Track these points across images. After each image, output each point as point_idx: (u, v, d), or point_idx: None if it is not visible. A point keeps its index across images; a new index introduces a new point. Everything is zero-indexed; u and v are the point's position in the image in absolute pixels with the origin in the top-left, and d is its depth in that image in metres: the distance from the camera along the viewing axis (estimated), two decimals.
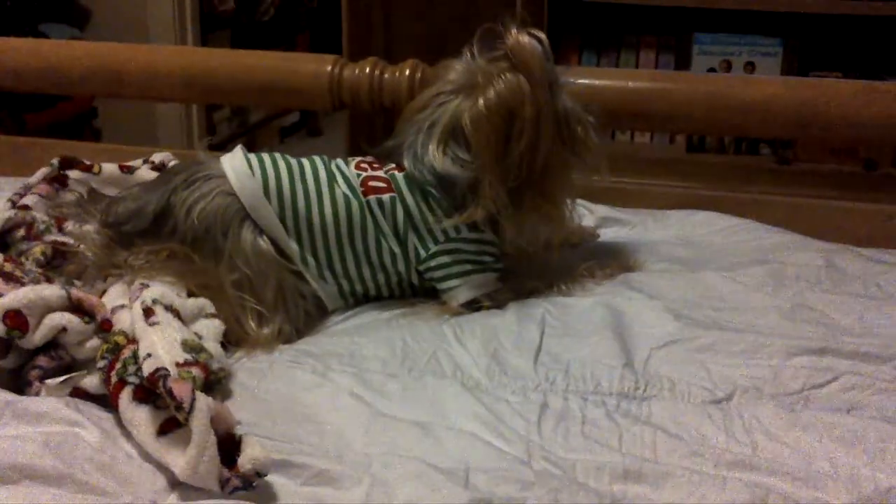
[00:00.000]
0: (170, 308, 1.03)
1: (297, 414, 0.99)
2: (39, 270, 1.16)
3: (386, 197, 1.24)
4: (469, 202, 1.22)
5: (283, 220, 1.20)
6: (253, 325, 1.16)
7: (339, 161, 1.28)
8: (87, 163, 1.47)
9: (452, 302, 1.25)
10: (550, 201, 1.26)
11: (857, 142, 2.34)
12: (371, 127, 2.41)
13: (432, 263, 1.26)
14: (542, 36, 1.21)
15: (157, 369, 0.89)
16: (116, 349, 0.98)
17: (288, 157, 1.27)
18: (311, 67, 1.70)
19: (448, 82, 1.25)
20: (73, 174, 1.44)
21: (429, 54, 1.73)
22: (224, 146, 3.36)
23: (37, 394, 0.98)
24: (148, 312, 1.01)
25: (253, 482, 0.85)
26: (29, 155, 1.70)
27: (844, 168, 2.66)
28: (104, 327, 1.04)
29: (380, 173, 1.26)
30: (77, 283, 1.16)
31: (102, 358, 0.98)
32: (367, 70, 1.66)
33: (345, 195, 1.22)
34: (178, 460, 0.84)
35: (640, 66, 2.83)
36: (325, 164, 1.26)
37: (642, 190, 1.67)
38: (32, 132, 2.72)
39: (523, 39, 1.19)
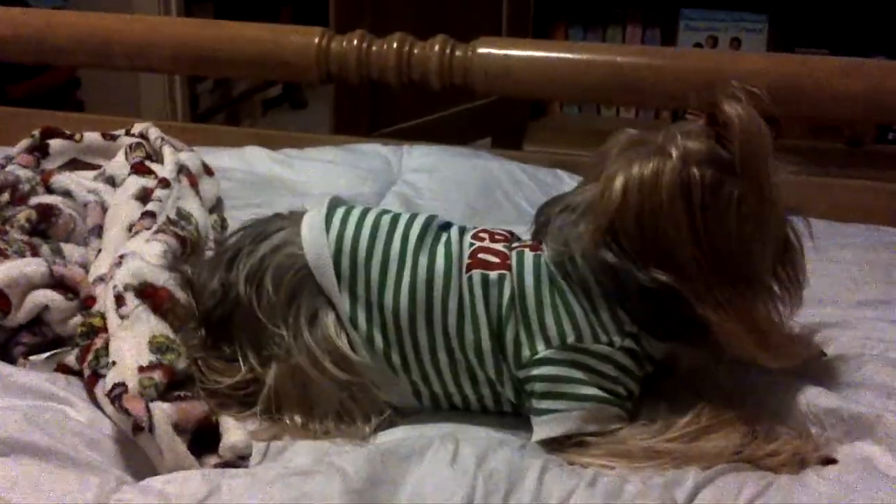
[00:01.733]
0: (142, 292, 0.98)
1: None
2: (24, 239, 1.15)
3: (494, 274, 0.95)
4: (638, 306, 0.91)
5: (352, 288, 0.97)
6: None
7: (456, 226, 1.02)
8: (69, 133, 1.46)
9: (539, 433, 0.92)
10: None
11: (841, 118, 2.34)
12: (357, 100, 2.41)
13: (535, 372, 0.93)
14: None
15: (115, 386, 0.88)
16: (92, 332, 0.97)
17: (388, 211, 1.03)
18: (299, 39, 1.69)
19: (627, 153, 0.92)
20: (55, 143, 1.43)
21: (417, 27, 1.73)
22: (207, 117, 3.36)
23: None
24: (119, 300, 0.96)
25: (238, 466, 0.86)
26: (11, 125, 1.68)
27: (829, 144, 2.67)
28: (87, 304, 1.03)
29: (498, 247, 0.99)
30: (65, 245, 1.15)
31: (80, 338, 0.98)
32: (355, 42, 1.66)
33: (429, 264, 0.96)
34: (156, 460, 0.85)
35: (626, 42, 2.83)
36: (425, 223, 1.00)
37: None
38: (14, 103, 2.70)
39: (740, 109, 0.89)
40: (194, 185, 1.30)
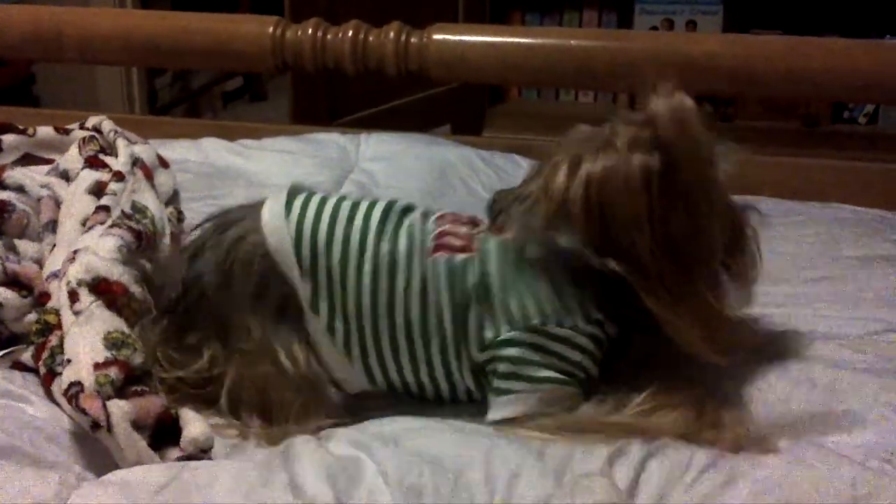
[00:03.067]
0: (96, 288, 0.97)
1: None
2: None
3: (459, 258, 0.95)
4: (585, 290, 0.92)
5: (314, 275, 0.95)
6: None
7: (418, 209, 1.00)
8: (21, 127, 1.44)
9: (496, 413, 0.93)
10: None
11: (795, 97, 2.37)
12: (314, 90, 2.40)
13: (498, 353, 0.93)
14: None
15: (71, 385, 0.87)
16: (47, 330, 0.96)
17: (347, 197, 1.02)
18: (253, 29, 1.68)
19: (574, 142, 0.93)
20: (7, 138, 1.41)
21: (373, 15, 1.72)
22: (167, 111, 3.33)
23: None
24: (73, 296, 0.95)
25: (200, 459, 0.86)
26: None
27: (785, 125, 2.70)
28: (41, 301, 1.02)
29: (463, 230, 0.98)
30: (19, 241, 1.14)
31: (34, 335, 0.97)
32: (310, 31, 1.65)
33: (391, 249, 0.95)
34: (117, 456, 0.84)
35: (583, 26, 2.84)
36: (386, 208, 0.99)
37: None
38: None
39: (674, 101, 0.89)
40: (149, 177, 1.28)
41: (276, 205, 0.99)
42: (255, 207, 1.01)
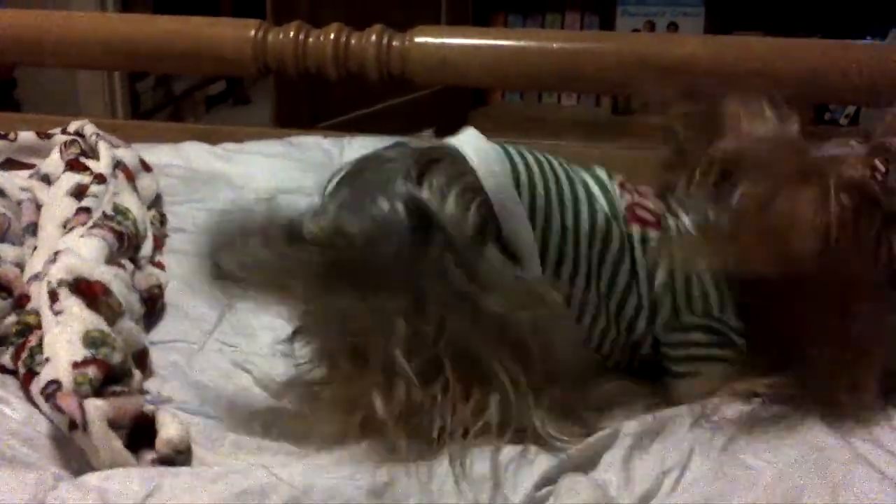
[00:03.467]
0: (76, 287, 0.96)
1: None
2: None
3: (654, 234, 0.92)
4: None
5: (535, 221, 0.87)
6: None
7: (598, 170, 0.96)
8: (3, 132, 1.43)
9: (679, 391, 0.94)
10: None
11: None
12: (297, 93, 2.40)
13: (683, 338, 0.94)
14: None
15: (49, 383, 0.86)
16: (27, 331, 0.96)
17: (537, 155, 0.92)
18: (234, 32, 1.68)
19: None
20: None
21: (355, 18, 1.72)
22: (149, 116, 3.32)
23: None
24: (53, 297, 0.95)
25: (175, 461, 0.85)
26: None
27: None
28: (21, 302, 1.02)
29: (650, 204, 0.94)
30: (0, 245, 1.13)
31: (14, 336, 0.97)
32: (292, 34, 1.65)
33: (606, 214, 0.90)
34: (92, 457, 0.84)
35: (565, 28, 2.85)
36: (573, 168, 0.93)
37: (576, 152, 1.68)
38: None
39: None
40: (131, 179, 1.28)
41: (484, 148, 0.89)
42: (435, 151, 0.89)
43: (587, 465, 0.85)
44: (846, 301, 0.86)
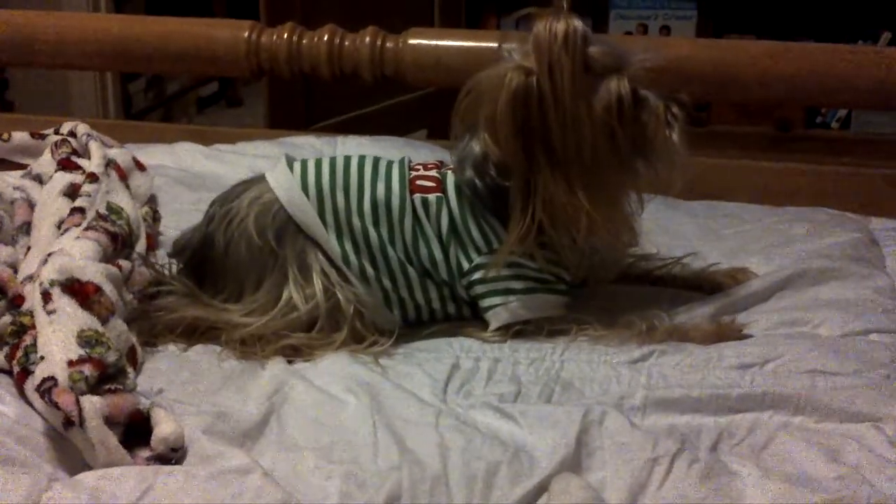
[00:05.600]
0: (69, 288, 0.97)
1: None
2: None
3: (432, 197, 1.10)
4: (517, 211, 1.05)
5: (321, 216, 1.09)
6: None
7: (396, 160, 1.15)
8: None
9: (492, 323, 1.09)
10: (599, 208, 1.04)
11: (769, 101, 2.38)
12: (291, 95, 2.40)
13: (474, 277, 1.09)
14: (576, 22, 1.04)
15: (44, 380, 0.87)
16: (22, 331, 0.96)
17: (335, 158, 1.15)
18: (228, 33, 1.68)
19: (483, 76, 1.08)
20: None
21: (348, 20, 1.72)
22: (142, 116, 3.31)
23: None
24: (46, 297, 0.95)
25: (170, 458, 0.85)
26: None
27: (758, 129, 2.71)
28: (16, 303, 1.02)
29: (432, 172, 1.13)
30: None
31: (9, 336, 0.97)
32: (285, 36, 1.65)
33: (386, 189, 1.09)
34: (88, 454, 0.84)
35: None
36: (373, 161, 1.13)
37: None
38: None
39: (546, 26, 1.02)
40: (123, 178, 1.28)
41: (279, 167, 1.13)
42: (253, 180, 1.13)
43: None
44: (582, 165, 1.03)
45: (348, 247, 1.08)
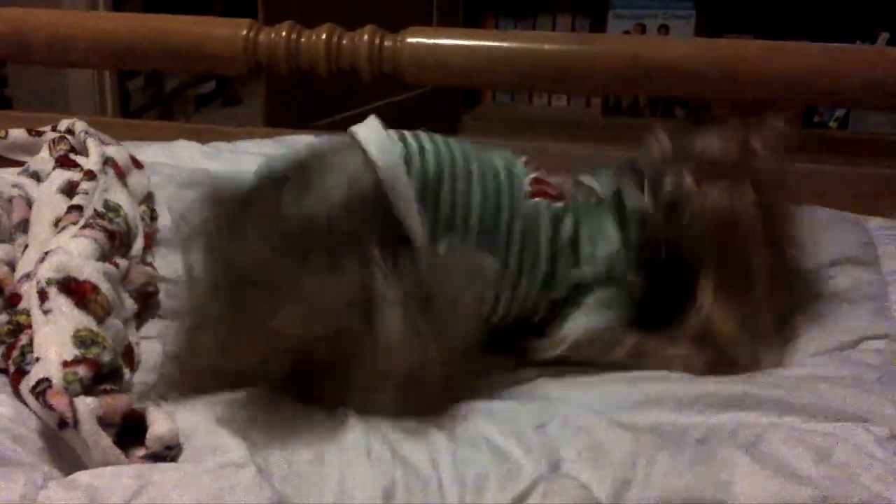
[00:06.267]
0: (66, 287, 0.96)
1: None
2: None
3: (558, 206, 1.01)
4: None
5: (427, 208, 0.94)
6: None
7: (507, 153, 1.04)
8: None
9: (569, 330, 1.01)
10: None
11: (766, 100, 2.38)
12: (289, 93, 2.40)
13: (584, 294, 1.01)
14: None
15: (39, 382, 0.86)
16: (18, 330, 0.96)
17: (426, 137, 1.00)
18: (226, 31, 1.68)
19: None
20: None
21: (347, 18, 1.72)
22: (139, 115, 3.31)
23: None
24: (42, 296, 0.95)
25: (165, 456, 0.85)
26: None
27: None
28: (12, 301, 1.02)
29: (553, 179, 1.03)
30: None
31: (6, 335, 0.97)
32: (284, 34, 1.65)
33: (499, 183, 0.98)
34: (83, 455, 0.84)
35: (556, 31, 2.86)
36: (477, 147, 1.01)
37: (564, 153, 1.69)
38: None
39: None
40: (121, 175, 1.28)
41: (374, 128, 0.96)
42: (332, 151, 0.97)
43: None
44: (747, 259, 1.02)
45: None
